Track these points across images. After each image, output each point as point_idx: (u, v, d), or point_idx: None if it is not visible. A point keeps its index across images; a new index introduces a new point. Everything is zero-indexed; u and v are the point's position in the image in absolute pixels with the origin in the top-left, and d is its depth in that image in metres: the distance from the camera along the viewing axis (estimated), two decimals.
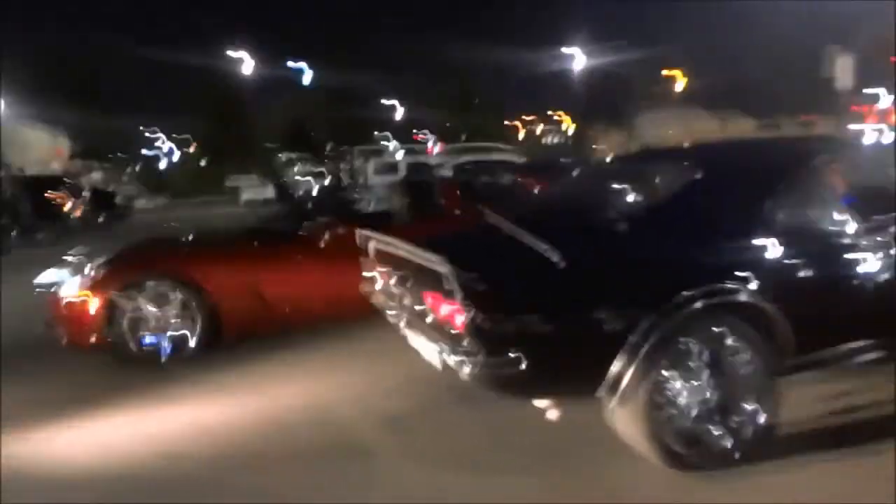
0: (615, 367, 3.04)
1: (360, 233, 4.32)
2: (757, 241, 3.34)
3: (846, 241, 3.46)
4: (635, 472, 3.29)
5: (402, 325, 3.87)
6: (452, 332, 3.18)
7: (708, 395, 3.23)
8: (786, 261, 3.35)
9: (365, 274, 4.33)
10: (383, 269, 4.14)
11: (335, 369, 5.04)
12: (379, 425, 4.08)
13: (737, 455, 3.23)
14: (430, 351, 3.46)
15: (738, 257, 3.31)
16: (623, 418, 3.18)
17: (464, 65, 53.28)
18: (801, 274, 3.38)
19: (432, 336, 3.40)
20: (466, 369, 3.01)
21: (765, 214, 3.41)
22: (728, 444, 3.24)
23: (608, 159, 5.87)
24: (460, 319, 3.05)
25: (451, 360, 3.16)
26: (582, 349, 3.10)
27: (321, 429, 4.05)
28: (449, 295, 3.09)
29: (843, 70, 16.90)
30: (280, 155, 39.74)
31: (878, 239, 3.48)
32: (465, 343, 3.03)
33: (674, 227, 3.36)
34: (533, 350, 2.98)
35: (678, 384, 3.19)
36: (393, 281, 3.95)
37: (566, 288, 3.10)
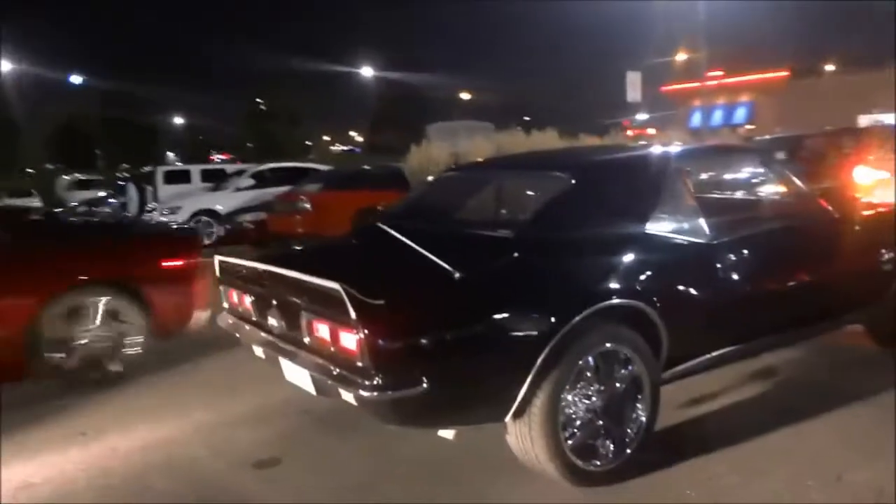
0: (519, 387, 2.88)
1: (220, 257, 3.86)
2: (636, 250, 3.35)
3: (708, 246, 3.55)
4: (534, 494, 3.15)
5: (262, 350, 3.49)
6: (341, 356, 2.84)
7: (606, 406, 3.17)
8: (663, 268, 3.39)
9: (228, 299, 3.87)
10: (240, 293, 3.70)
11: (180, 405, 4.45)
12: (244, 464, 3.61)
13: (627, 463, 3.20)
14: (303, 377, 3.14)
15: (622, 267, 3.28)
16: (524, 440, 3.02)
17: (266, 81, 51.99)
18: (677, 281, 3.42)
19: (309, 361, 3.05)
20: (362, 395, 2.70)
21: (639, 222, 3.44)
22: (621, 452, 3.20)
23: (451, 170, 5.69)
24: (352, 341, 2.73)
25: (339, 386, 2.84)
26: (486, 369, 2.88)
27: (173, 474, 3.51)
28: (338, 316, 2.77)
29: (632, 89, 18.59)
30: (62, 175, 35.12)
31: (730, 244, 3.62)
32: (360, 367, 2.71)
33: (558, 237, 3.26)
34: (436, 372, 2.73)
35: (580, 399, 3.10)
36: (253, 304, 3.54)
37: (465, 303, 2.89)
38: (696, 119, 41.99)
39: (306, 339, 3.05)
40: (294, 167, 17.17)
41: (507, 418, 2.96)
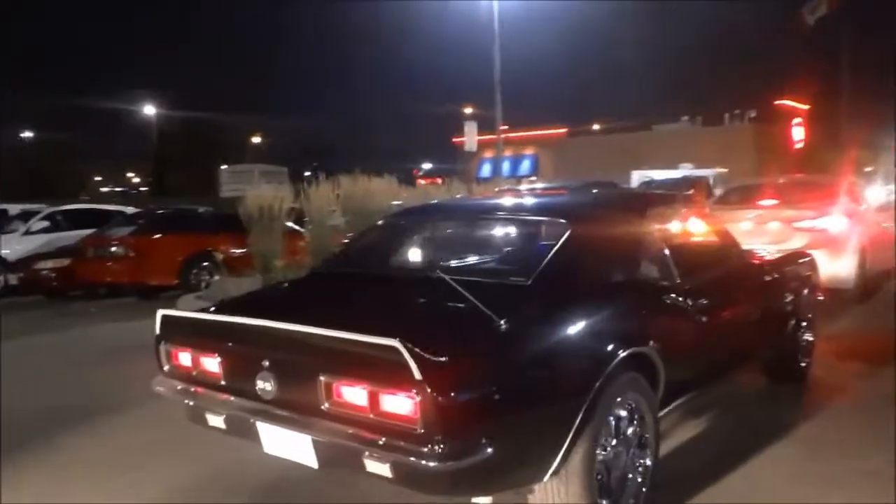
0: (562, 444, 2.72)
1: (164, 311, 3.30)
2: (635, 296, 3.36)
3: (680, 288, 3.65)
4: None
5: (223, 420, 3.09)
6: (384, 423, 2.51)
7: (625, 456, 3.10)
8: (655, 311, 3.43)
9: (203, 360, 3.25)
10: (197, 353, 3.18)
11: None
12: None
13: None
14: (299, 448, 2.81)
15: (631, 313, 3.27)
16: (559, 499, 2.85)
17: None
18: (666, 322, 3.47)
19: (323, 430, 2.67)
20: (422, 466, 2.39)
21: (631, 268, 3.46)
22: (638, 499, 3.14)
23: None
24: (407, 405, 2.42)
25: (369, 457, 2.53)
26: (536, 427, 2.69)
27: None
28: (386, 377, 2.45)
29: (469, 138, 19.13)
30: None
31: (695, 286, 3.75)
32: (418, 434, 2.41)
33: (568, 285, 3.18)
34: (497, 434, 2.49)
35: (612, 452, 3.00)
36: (224, 365, 3.05)
37: (514, 355, 2.69)
38: (486, 170, 44.41)
39: (324, 406, 2.66)
40: (94, 209, 15.62)
41: (545, 479, 2.78)
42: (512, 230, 4.06)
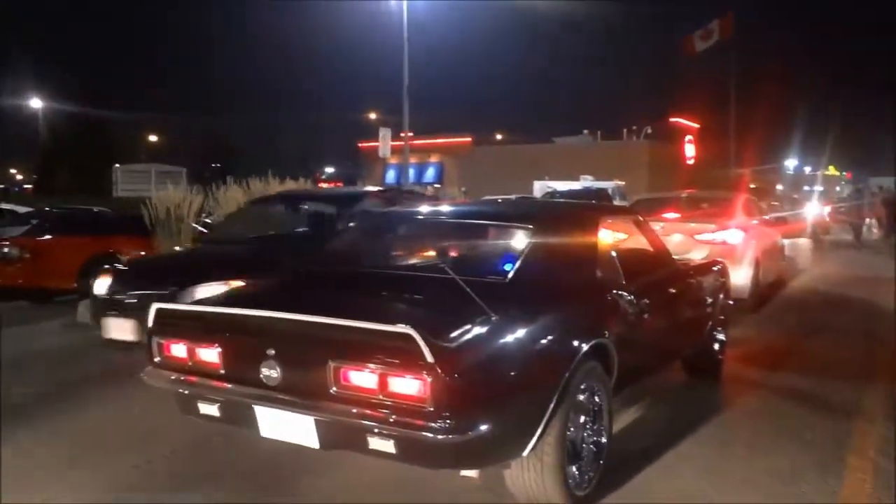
0: (540, 422, 3.08)
1: (159, 304, 3.45)
2: (595, 291, 3.79)
3: (625, 287, 4.09)
4: None
5: (218, 408, 3.29)
6: (394, 403, 2.79)
7: (594, 434, 3.50)
8: (611, 306, 3.86)
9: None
10: (193, 344, 3.35)
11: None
12: None
13: (596, 486, 3.54)
14: (300, 430, 3.06)
15: (594, 306, 3.68)
16: (535, 473, 3.20)
17: None
18: (619, 317, 3.90)
19: (329, 411, 2.93)
20: (429, 439, 2.69)
21: (590, 268, 3.88)
22: (594, 477, 3.53)
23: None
24: (418, 386, 2.72)
25: (373, 435, 2.83)
26: (522, 406, 3.04)
27: None
28: (398, 361, 2.74)
29: (384, 145, 19.44)
30: None
31: (638, 286, 4.22)
32: (428, 412, 2.70)
33: (541, 283, 3.56)
34: (493, 412, 2.84)
35: (577, 431, 3.38)
36: (223, 355, 3.25)
37: (506, 344, 3.02)
38: (391, 175, 44.70)
39: (332, 389, 2.91)
40: None
41: (525, 453, 3.12)
42: (487, 234, 4.41)
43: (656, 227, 8.58)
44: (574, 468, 3.36)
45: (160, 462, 4.07)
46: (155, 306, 3.45)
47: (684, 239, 8.61)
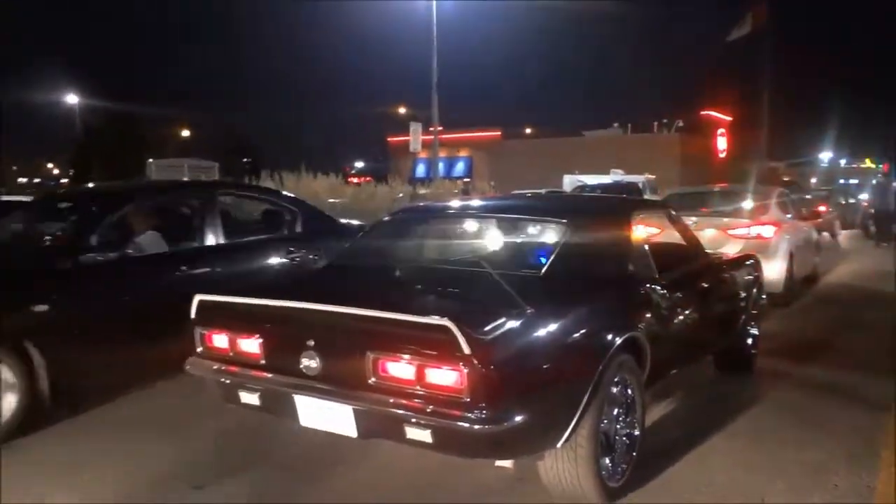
0: (574, 413, 3.13)
1: (201, 296, 3.55)
2: (627, 286, 3.82)
3: (657, 281, 4.11)
4: None
5: (258, 397, 3.39)
6: (430, 394, 2.86)
7: (626, 427, 3.55)
8: (644, 301, 3.88)
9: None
10: (235, 335, 3.46)
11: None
12: None
13: (628, 474, 3.58)
14: (339, 419, 3.14)
15: (626, 300, 3.73)
16: (568, 465, 3.25)
17: None
18: (651, 311, 3.92)
19: (368, 401, 3.01)
20: (467, 429, 2.76)
21: (621, 262, 3.92)
22: (627, 469, 3.57)
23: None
24: (454, 377, 2.79)
25: (412, 425, 2.90)
26: (555, 398, 3.10)
27: None
28: (435, 353, 2.81)
29: (414, 139, 19.54)
30: None
31: (671, 281, 4.23)
32: (464, 402, 2.77)
33: (571, 276, 3.61)
34: (528, 403, 2.90)
35: (610, 423, 3.43)
36: (264, 346, 3.34)
37: (540, 336, 3.08)
38: (421, 170, 44.81)
39: (371, 380, 2.99)
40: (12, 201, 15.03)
41: (559, 445, 3.18)
42: (520, 228, 4.46)
43: (690, 221, 8.76)
44: (607, 460, 3.41)
45: (195, 452, 4.17)
46: (197, 298, 3.56)
47: (717, 234, 8.59)
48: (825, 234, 17.02)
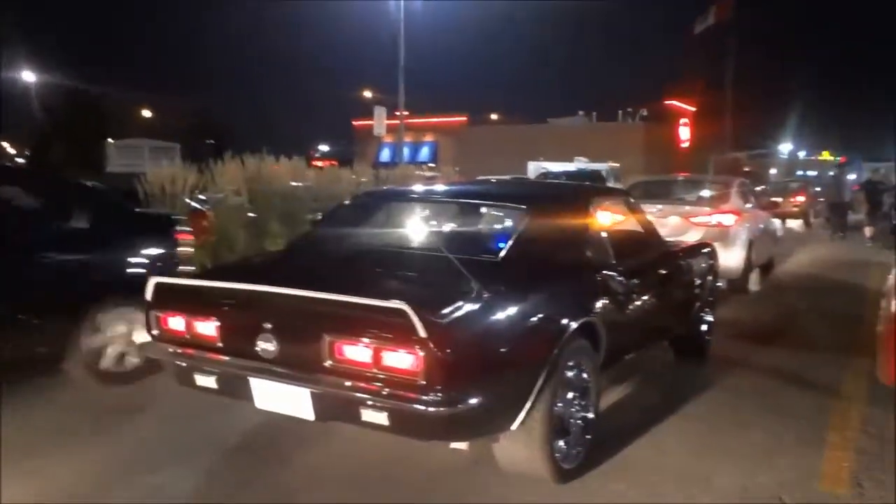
0: (528, 396, 3.17)
1: (158, 278, 3.51)
2: (585, 272, 3.88)
3: (615, 268, 4.17)
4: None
5: (215, 379, 3.37)
6: (386, 376, 2.88)
7: (581, 410, 3.60)
8: (600, 287, 3.94)
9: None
10: (191, 317, 3.43)
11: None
12: None
13: (584, 461, 3.64)
14: (294, 402, 3.14)
15: (583, 286, 3.77)
16: (522, 446, 3.30)
17: None
18: (607, 297, 3.98)
19: (323, 383, 3.01)
20: (421, 411, 2.79)
21: (578, 249, 3.97)
22: (581, 451, 3.63)
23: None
24: (410, 360, 2.80)
25: (366, 407, 2.92)
26: (511, 381, 3.14)
27: None
28: (390, 336, 2.83)
29: (378, 124, 19.47)
30: None
31: (628, 268, 4.30)
32: (420, 385, 2.79)
33: (532, 262, 3.64)
34: (483, 386, 2.93)
35: (565, 406, 3.48)
36: (221, 328, 3.32)
37: (497, 319, 3.11)
38: (386, 154, 44.60)
39: (327, 363, 2.99)
40: None
41: (514, 426, 3.21)
42: (481, 214, 4.49)
43: (653, 209, 8.86)
44: (562, 442, 3.46)
45: (150, 438, 4.14)
46: (153, 280, 3.52)
47: (681, 221, 8.82)
48: (799, 221, 17.56)
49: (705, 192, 9.86)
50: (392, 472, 3.67)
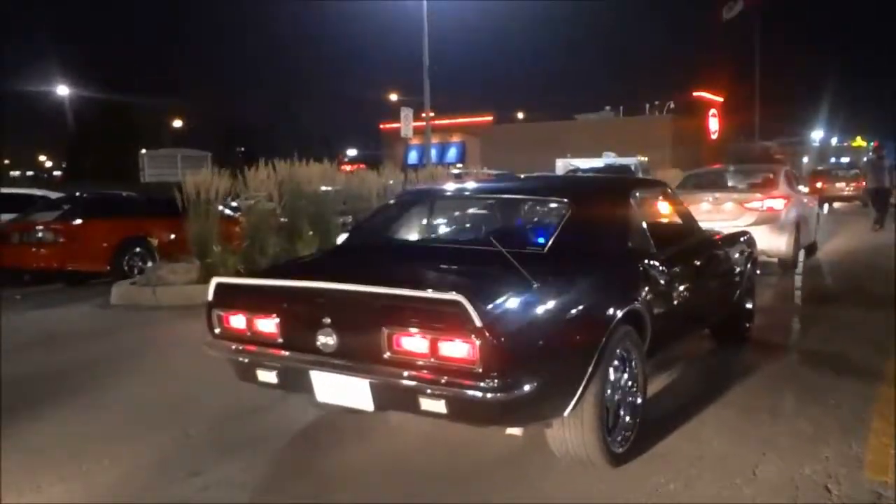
0: (580, 382, 3.28)
1: (218, 278, 3.69)
2: (628, 261, 3.98)
3: (657, 257, 4.26)
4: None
5: (275, 375, 3.52)
6: (444, 366, 3.01)
7: (630, 395, 3.71)
8: (644, 275, 4.03)
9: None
10: (252, 315, 3.59)
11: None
12: None
13: (632, 446, 3.73)
14: (356, 394, 3.28)
15: (627, 274, 3.88)
16: (575, 432, 3.40)
17: None
18: (652, 285, 4.07)
19: (384, 374, 3.15)
20: (479, 398, 2.91)
21: (622, 239, 4.07)
22: (630, 437, 3.73)
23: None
24: (467, 349, 2.93)
25: (426, 396, 3.05)
26: (563, 367, 3.26)
27: None
28: (447, 327, 2.96)
29: (405, 125, 19.64)
30: None
31: (670, 257, 4.39)
32: (477, 373, 2.92)
33: (576, 252, 3.76)
34: (537, 372, 3.05)
35: (614, 392, 3.59)
36: (281, 325, 3.48)
37: (546, 309, 3.23)
38: (413, 156, 44.82)
39: (385, 354, 3.13)
40: (13, 193, 14.79)
41: (566, 413, 3.33)
42: (524, 208, 4.61)
43: (709, 197, 9.69)
44: (612, 426, 3.56)
45: (199, 433, 4.29)
46: (214, 280, 3.69)
47: (735, 207, 9.65)
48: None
49: (756, 180, 10.56)
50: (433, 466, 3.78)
